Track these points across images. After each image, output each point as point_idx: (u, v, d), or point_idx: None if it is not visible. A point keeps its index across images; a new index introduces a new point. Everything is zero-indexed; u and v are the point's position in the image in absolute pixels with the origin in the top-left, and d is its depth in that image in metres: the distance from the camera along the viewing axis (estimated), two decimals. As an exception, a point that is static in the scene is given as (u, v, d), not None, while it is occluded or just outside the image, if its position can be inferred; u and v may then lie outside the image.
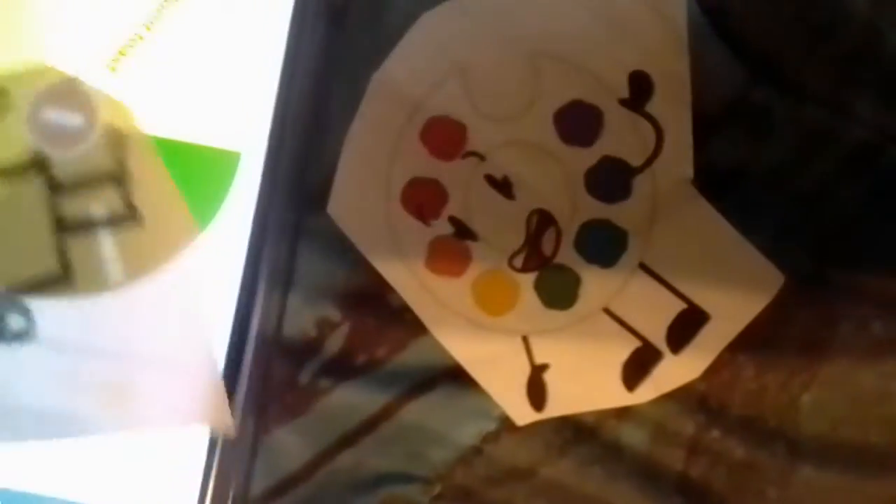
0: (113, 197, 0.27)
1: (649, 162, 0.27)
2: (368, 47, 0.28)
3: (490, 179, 0.28)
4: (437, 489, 0.29)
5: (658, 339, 0.28)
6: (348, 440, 0.30)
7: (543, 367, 0.28)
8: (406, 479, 0.29)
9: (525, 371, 0.28)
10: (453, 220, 0.28)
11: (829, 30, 0.27)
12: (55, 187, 0.27)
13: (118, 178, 0.27)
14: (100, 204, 0.27)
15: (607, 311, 0.28)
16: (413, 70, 0.28)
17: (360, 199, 0.28)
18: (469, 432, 0.29)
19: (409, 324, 0.29)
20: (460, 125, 0.28)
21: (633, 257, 0.28)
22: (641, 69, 0.27)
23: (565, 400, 0.28)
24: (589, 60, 0.27)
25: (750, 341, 0.27)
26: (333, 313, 0.29)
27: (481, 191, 0.28)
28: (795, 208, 0.27)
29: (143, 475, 0.27)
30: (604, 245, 0.28)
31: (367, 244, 0.29)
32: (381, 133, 0.28)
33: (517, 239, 0.28)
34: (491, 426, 0.29)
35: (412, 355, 0.29)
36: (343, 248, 0.29)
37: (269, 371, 0.30)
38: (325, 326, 0.29)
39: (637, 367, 0.28)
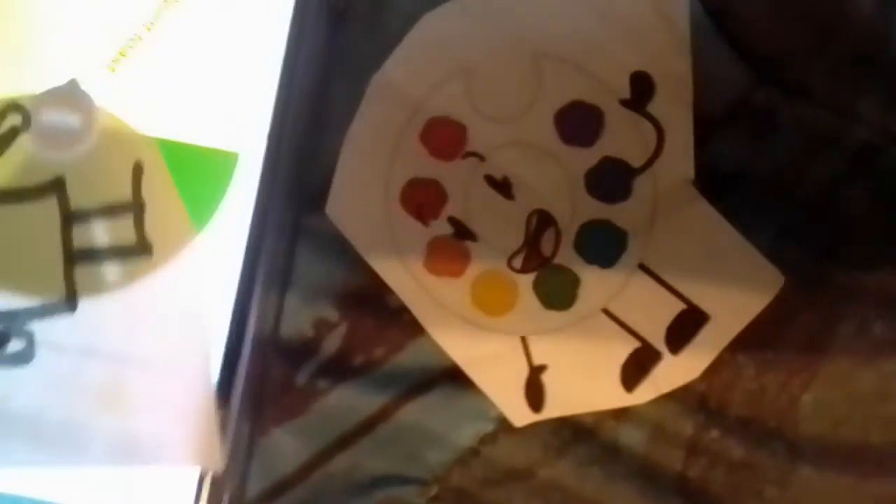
0: (126, 229, 0.27)
1: (650, 162, 0.27)
2: (369, 48, 0.28)
3: (490, 180, 0.28)
4: (433, 491, 0.29)
5: (657, 339, 0.28)
6: (345, 441, 0.29)
7: (542, 368, 0.28)
8: (403, 480, 0.29)
9: (523, 372, 0.28)
10: (453, 221, 0.28)
11: (834, 31, 0.27)
12: (69, 216, 0.27)
13: (133, 209, 0.27)
14: (112, 235, 0.27)
15: (606, 312, 0.28)
16: (413, 71, 0.28)
17: (358, 199, 0.28)
18: (466, 434, 0.29)
19: (407, 324, 0.29)
20: (460, 126, 0.28)
21: (633, 258, 0.28)
22: (643, 70, 0.27)
23: (564, 401, 0.28)
24: (590, 61, 0.27)
25: (750, 341, 0.27)
26: (331, 314, 0.29)
27: (481, 191, 0.28)
28: (797, 209, 0.27)
29: (139, 477, 0.27)
30: (603, 245, 0.28)
31: (365, 244, 0.29)
32: (381, 133, 0.28)
33: (517, 239, 0.28)
34: (489, 427, 0.29)
35: (410, 356, 0.29)
36: (341, 249, 0.29)
37: (266, 372, 0.29)
38: (323, 327, 0.29)
39: (636, 368, 0.28)
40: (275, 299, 0.29)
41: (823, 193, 0.27)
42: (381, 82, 0.28)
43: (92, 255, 0.27)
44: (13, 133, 0.27)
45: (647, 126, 0.27)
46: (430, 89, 0.28)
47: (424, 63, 0.28)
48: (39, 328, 0.27)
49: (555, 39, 0.27)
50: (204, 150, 0.28)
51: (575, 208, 0.28)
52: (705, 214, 0.27)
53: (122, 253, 0.27)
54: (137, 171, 0.27)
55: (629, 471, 0.28)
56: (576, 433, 0.29)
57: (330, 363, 0.29)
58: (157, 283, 0.27)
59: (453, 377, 0.29)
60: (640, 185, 0.27)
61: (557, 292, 0.28)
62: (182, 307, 0.27)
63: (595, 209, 0.28)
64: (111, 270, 0.27)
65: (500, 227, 0.28)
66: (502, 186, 0.28)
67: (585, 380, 0.28)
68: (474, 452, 0.29)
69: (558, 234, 0.28)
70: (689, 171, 0.27)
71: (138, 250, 0.27)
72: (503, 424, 0.29)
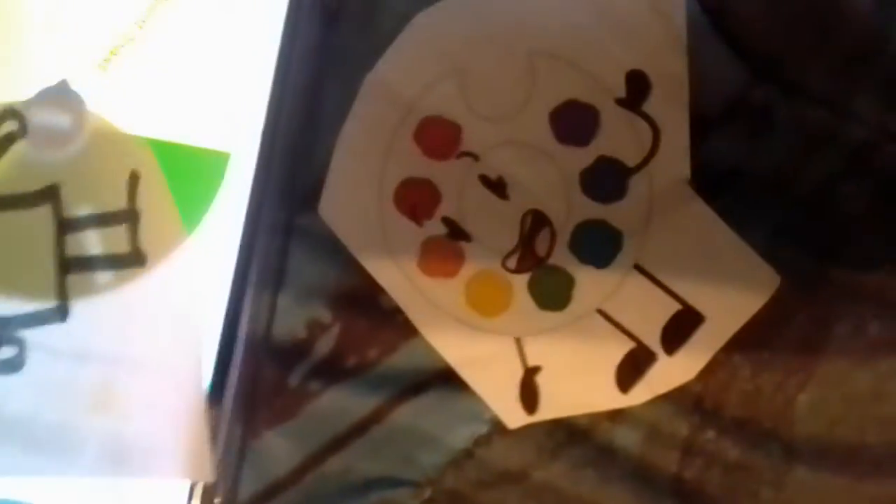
0: (120, 237, 0.27)
1: (646, 162, 0.27)
2: (362, 47, 0.28)
3: (484, 180, 0.28)
4: (427, 493, 0.29)
5: (652, 340, 0.27)
6: (338, 444, 0.29)
7: (536, 370, 0.28)
8: (396, 483, 0.29)
9: (517, 373, 0.28)
10: (446, 221, 0.28)
11: (831, 29, 0.27)
12: (63, 224, 0.27)
13: (128, 218, 0.27)
14: (106, 244, 0.27)
15: (601, 313, 0.28)
16: (407, 70, 0.28)
17: (352, 199, 0.28)
18: (461, 435, 0.29)
19: (400, 325, 0.29)
20: (454, 125, 0.28)
21: (628, 258, 0.27)
22: (639, 68, 0.27)
23: (558, 402, 0.28)
24: (585, 59, 0.27)
25: (746, 341, 0.27)
26: (324, 314, 0.29)
27: (475, 191, 0.28)
28: (793, 208, 0.27)
29: (131, 481, 0.27)
30: (598, 246, 0.28)
31: (358, 245, 0.28)
32: (375, 133, 0.28)
33: (511, 239, 0.28)
34: (483, 429, 0.29)
35: (403, 357, 0.29)
36: (334, 249, 0.29)
37: (259, 373, 0.29)
38: (316, 328, 0.29)
39: (631, 369, 0.28)
40: (267, 300, 0.29)
41: (820, 192, 0.27)
42: (375, 82, 0.28)
43: (85, 264, 0.27)
44: (9, 140, 0.27)
45: (643, 125, 0.27)
46: (424, 88, 0.28)
47: (418, 62, 0.27)
48: (31, 335, 0.27)
49: (549, 38, 0.27)
50: (196, 150, 0.27)
51: (570, 208, 0.28)
52: (701, 214, 0.27)
53: (115, 262, 0.27)
54: (133, 180, 0.27)
55: (624, 472, 0.28)
56: (570, 435, 0.28)
57: (323, 364, 0.29)
58: (150, 287, 0.27)
59: (447, 379, 0.28)
60: (636, 184, 0.27)
61: (552, 293, 0.28)
62: (174, 311, 0.27)
63: (590, 209, 0.27)
64: (104, 278, 0.27)
65: (495, 227, 0.28)
66: (497, 186, 0.28)
67: (580, 381, 0.28)
68: (468, 454, 0.29)
69: (553, 235, 0.28)
70: (685, 170, 0.27)
71: (132, 260, 0.27)
72: (497, 426, 0.29)
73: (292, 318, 0.29)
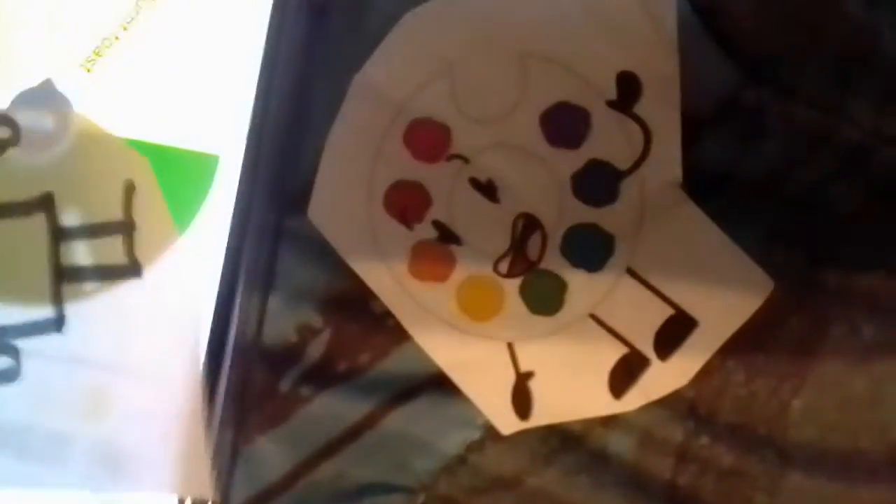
0: (116, 248, 0.27)
1: (637, 165, 0.27)
2: (350, 48, 0.28)
3: (475, 182, 0.28)
4: (420, 499, 0.29)
5: (645, 345, 0.27)
6: (330, 449, 0.29)
7: (529, 375, 0.28)
8: (389, 489, 0.29)
9: (510, 378, 0.28)
10: (437, 224, 0.28)
11: (823, 30, 0.26)
12: (58, 233, 0.27)
13: (123, 228, 0.27)
14: (101, 254, 0.27)
15: (594, 317, 0.27)
16: (396, 71, 0.27)
17: (341, 202, 0.28)
18: (453, 441, 0.29)
19: (392, 330, 0.28)
20: (444, 127, 0.27)
21: (621, 262, 0.27)
22: (630, 70, 0.27)
23: (551, 408, 0.28)
24: (576, 61, 0.27)
25: (740, 346, 0.27)
26: (315, 319, 0.29)
27: (466, 194, 0.28)
28: (786, 211, 0.27)
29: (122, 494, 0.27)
30: (590, 249, 0.27)
31: (348, 248, 0.28)
32: (363, 135, 0.28)
33: (502, 243, 0.28)
34: (475, 435, 0.29)
35: (395, 362, 0.29)
36: (324, 252, 0.28)
37: (250, 378, 0.29)
38: (307, 332, 0.29)
39: (624, 375, 0.27)
40: (257, 304, 0.29)
41: (813, 195, 0.27)
42: (363, 83, 0.27)
43: (81, 273, 0.27)
44: (1, 147, 0.26)
45: (634, 127, 0.27)
46: (413, 90, 0.27)
47: (407, 63, 0.27)
48: (26, 344, 0.27)
49: (540, 39, 0.27)
50: (184, 153, 0.27)
51: (561, 212, 0.27)
52: (693, 218, 0.27)
53: (111, 272, 0.27)
54: (129, 190, 0.26)
55: (618, 479, 0.28)
56: (564, 441, 0.28)
57: (314, 369, 0.29)
58: (146, 296, 0.27)
59: (439, 384, 0.28)
60: (627, 187, 0.27)
61: (544, 297, 0.28)
62: (171, 318, 0.27)
63: (582, 212, 0.27)
64: (99, 287, 0.27)
65: (486, 230, 0.28)
66: (487, 189, 0.28)
67: (573, 387, 0.28)
68: (461, 460, 0.29)
69: (544, 238, 0.27)
70: (677, 173, 0.27)
71: (128, 270, 0.27)
72: (490, 432, 0.28)
73: (283, 323, 0.29)
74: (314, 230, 0.28)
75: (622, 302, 0.27)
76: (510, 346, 0.28)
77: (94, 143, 0.27)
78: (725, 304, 0.27)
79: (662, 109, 0.26)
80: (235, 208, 0.28)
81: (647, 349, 0.27)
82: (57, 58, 0.27)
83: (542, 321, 0.28)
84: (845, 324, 0.27)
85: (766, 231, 0.27)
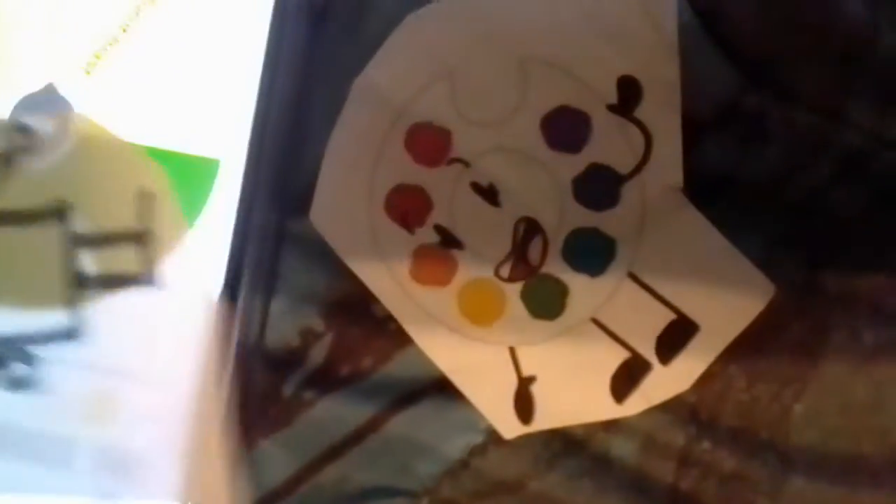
0: (133, 257, 0.27)
1: (638, 169, 0.27)
2: (350, 51, 0.28)
3: (476, 187, 0.28)
4: (423, 503, 0.29)
5: (647, 349, 0.27)
6: (333, 453, 0.29)
7: (531, 379, 0.28)
8: (392, 492, 0.29)
9: (512, 383, 0.28)
10: (438, 229, 0.28)
11: (824, 33, 0.26)
12: (75, 240, 0.27)
13: (139, 237, 0.27)
14: (118, 263, 0.27)
15: (595, 322, 0.27)
16: (396, 75, 0.27)
17: (342, 206, 0.28)
18: (456, 445, 0.29)
19: (394, 334, 0.28)
20: (445, 131, 0.27)
21: (622, 266, 0.27)
22: (630, 74, 0.26)
23: (553, 413, 0.28)
24: (577, 65, 0.27)
25: (741, 351, 0.27)
26: (317, 322, 0.29)
27: (467, 198, 0.28)
28: (787, 216, 0.27)
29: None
30: (591, 254, 0.27)
31: (349, 252, 0.28)
32: (364, 139, 0.28)
33: (503, 247, 0.28)
34: (478, 439, 0.29)
35: (398, 366, 0.29)
36: (326, 256, 0.28)
37: (252, 382, 0.29)
38: (309, 336, 0.29)
39: (626, 379, 0.27)
40: (259, 307, 0.29)
41: (814, 199, 0.27)
42: (364, 86, 0.27)
43: (94, 281, 0.27)
44: (18, 154, 0.26)
45: (635, 131, 0.27)
46: (414, 93, 0.27)
47: (407, 67, 0.27)
48: (42, 352, 0.27)
49: (541, 43, 0.27)
50: (184, 157, 0.27)
51: (562, 216, 0.27)
52: (694, 222, 0.27)
53: (124, 280, 0.27)
54: (144, 198, 0.26)
55: (620, 482, 0.28)
56: (566, 445, 0.28)
57: (317, 373, 0.29)
58: (162, 303, 0.27)
59: (442, 388, 0.28)
60: (628, 191, 0.27)
61: (545, 301, 0.28)
62: (185, 324, 0.27)
63: (582, 217, 0.27)
64: (116, 295, 0.27)
65: (487, 235, 0.27)
66: (488, 193, 0.27)
67: (575, 391, 0.28)
68: (464, 464, 0.29)
69: (546, 243, 0.27)
70: (678, 177, 0.26)
71: (142, 278, 0.27)
72: (493, 436, 0.28)
73: (285, 326, 0.29)
74: (316, 234, 0.28)
75: (624, 306, 0.27)
76: (512, 351, 0.28)
77: (108, 149, 0.27)
78: (727, 308, 0.26)
79: (663, 113, 0.26)
80: (237, 212, 0.28)
81: (649, 353, 0.27)
82: (58, 61, 0.27)
83: (543, 325, 0.28)
84: (846, 329, 0.27)
85: (767, 235, 0.27)
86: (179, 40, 0.27)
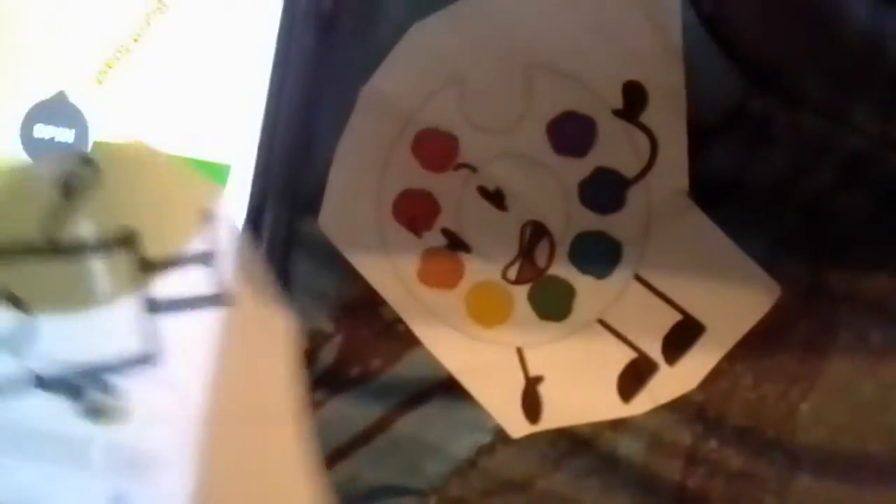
0: (204, 279, 0.27)
1: (644, 173, 0.27)
2: (358, 58, 0.28)
3: (483, 191, 0.28)
4: (432, 502, 0.29)
5: (654, 350, 0.27)
6: (342, 453, 0.29)
7: (538, 379, 0.28)
8: (401, 491, 0.29)
9: (519, 383, 0.28)
10: (446, 232, 0.28)
11: (828, 38, 0.26)
12: (145, 266, 0.27)
13: (209, 260, 0.27)
14: (190, 286, 0.27)
15: (602, 323, 0.28)
16: (404, 82, 0.27)
17: (351, 210, 0.28)
18: (464, 444, 0.29)
19: (402, 336, 0.29)
20: (452, 137, 0.28)
21: (628, 268, 0.27)
22: (635, 79, 0.27)
23: (560, 412, 0.28)
24: (582, 71, 0.27)
25: (748, 351, 0.27)
26: (326, 325, 0.29)
27: (474, 203, 0.28)
28: (793, 219, 0.27)
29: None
30: (598, 256, 0.27)
31: (358, 256, 0.28)
32: (372, 145, 0.28)
33: (510, 250, 0.28)
34: (486, 438, 0.29)
35: (406, 367, 0.29)
36: (335, 260, 0.29)
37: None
38: (319, 338, 0.29)
39: (633, 379, 0.27)
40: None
41: (820, 201, 0.27)
42: (371, 93, 0.28)
43: (169, 308, 0.27)
44: (83, 185, 0.26)
45: (641, 136, 0.27)
46: (421, 100, 0.27)
47: (415, 74, 0.27)
48: (123, 381, 0.27)
49: (546, 50, 0.27)
50: (195, 163, 0.28)
51: (568, 219, 0.27)
52: (700, 224, 0.27)
53: (200, 303, 0.27)
54: (211, 221, 0.27)
55: (627, 481, 0.28)
56: (573, 444, 0.28)
57: (326, 374, 0.29)
58: (236, 323, 0.27)
59: (450, 388, 0.28)
60: (634, 195, 0.27)
61: (552, 303, 0.28)
62: (265, 343, 0.27)
63: (589, 220, 0.27)
64: (192, 318, 0.27)
65: (494, 238, 0.28)
66: (495, 198, 0.28)
67: (582, 391, 0.28)
68: (472, 463, 0.29)
69: (552, 245, 0.28)
70: (684, 181, 0.27)
71: (217, 301, 0.27)
72: (500, 435, 0.29)
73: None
74: (325, 238, 0.28)
75: (630, 307, 0.27)
76: (519, 351, 0.28)
77: (168, 173, 0.27)
78: (733, 309, 0.27)
79: (669, 118, 0.26)
80: (247, 216, 0.28)
81: (656, 354, 0.27)
82: (69, 70, 0.28)
83: (550, 327, 0.28)
84: (853, 328, 0.27)
85: (772, 237, 0.27)
86: (189, 48, 0.27)
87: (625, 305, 0.27)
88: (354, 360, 0.29)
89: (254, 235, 0.28)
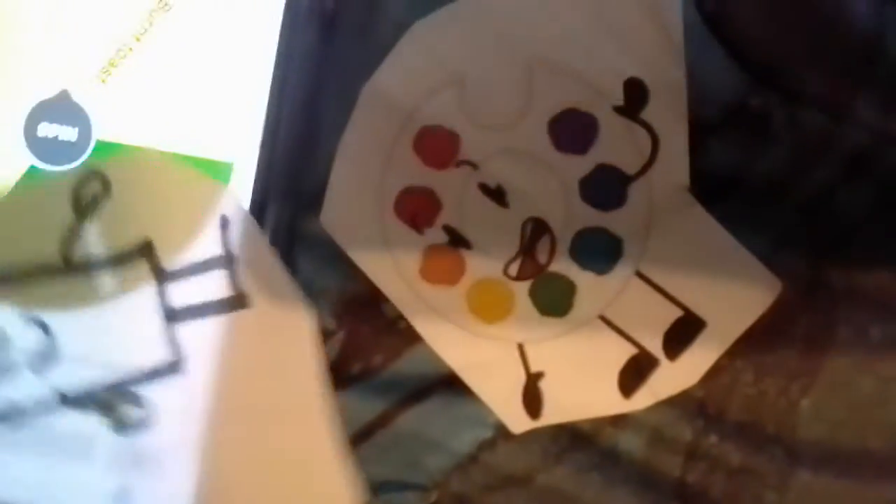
0: (221, 283, 0.27)
1: (645, 169, 0.27)
2: (360, 56, 0.28)
3: (484, 188, 0.28)
4: (433, 496, 0.29)
5: (654, 345, 0.27)
6: (345, 448, 0.29)
7: (539, 375, 0.28)
8: (403, 486, 0.29)
9: (521, 379, 0.28)
10: (447, 229, 0.28)
11: (830, 35, 0.26)
12: (162, 276, 0.27)
13: (225, 263, 0.27)
14: (208, 291, 0.27)
15: (603, 319, 0.28)
16: (405, 79, 0.28)
17: (353, 208, 0.28)
18: (465, 440, 0.29)
19: (404, 332, 0.29)
20: (453, 134, 0.28)
21: (629, 264, 0.27)
22: (637, 76, 0.27)
23: (561, 407, 0.28)
24: (583, 68, 0.27)
25: (748, 346, 0.27)
26: (328, 321, 0.29)
27: (475, 199, 0.28)
28: (793, 214, 0.27)
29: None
30: (599, 252, 0.28)
31: (360, 253, 0.28)
32: (374, 142, 0.28)
33: (512, 247, 0.28)
34: (487, 434, 0.29)
35: (408, 363, 0.29)
36: (338, 257, 0.29)
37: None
38: (321, 334, 0.29)
39: (633, 375, 0.28)
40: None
41: (820, 197, 0.27)
42: (373, 91, 0.28)
43: (190, 314, 0.27)
44: (95, 201, 0.27)
45: (642, 133, 0.27)
46: (423, 98, 0.28)
47: (416, 71, 0.27)
48: (150, 391, 0.27)
49: (547, 46, 0.27)
50: (197, 161, 0.28)
51: (569, 216, 0.27)
52: (701, 220, 0.27)
53: (219, 307, 0.27)
54: (224, 224, 0.27)
55: (628, 476, 0.28)
56: (574, 439, 0.29)
57: (329, 370, 0.29)
58: (256, 324, 0.27)
59: (451, 384, 0.29)
60: (635, 191, 0.27)
61: (553, 299, 0.28)
62: (286, 342, 0.27)
63: (590, 216, 0.27)
64: (212, 324, 0.27)
65: (495, 234, 0.28)
66: (496, 194, 0.28)
67: (583, 386, 0.28)
68: (473, 459, 0.29)
69: (553, 242, 0.28)
70: (685, 177, 0.27)
71: (236, 303, 0.27)
72: (502, 431, 0.29)
73: (297, 325, 0.29)
74: (327, 235, 0.28)
75: (631, 303, 0.27)
76: (520, 347, 0.28)
77: (181, 181, 0.27)
78: (733, 304, 0.27)
79: (669, 115, 0.27)
80: (250, 214, 0.28)
81: (656, 349, 0.27)
82: (72, 69, 0.28)
83: (551, 323, 0.28)
84: (853, 324, 0.27)
85: (773, 233, 0.27)
86: (192, 46, 0.27)
87: (626, 301, 0.28)
88: (356, 356, 0.29)
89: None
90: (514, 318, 0.28)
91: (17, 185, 0.27)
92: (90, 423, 0.27)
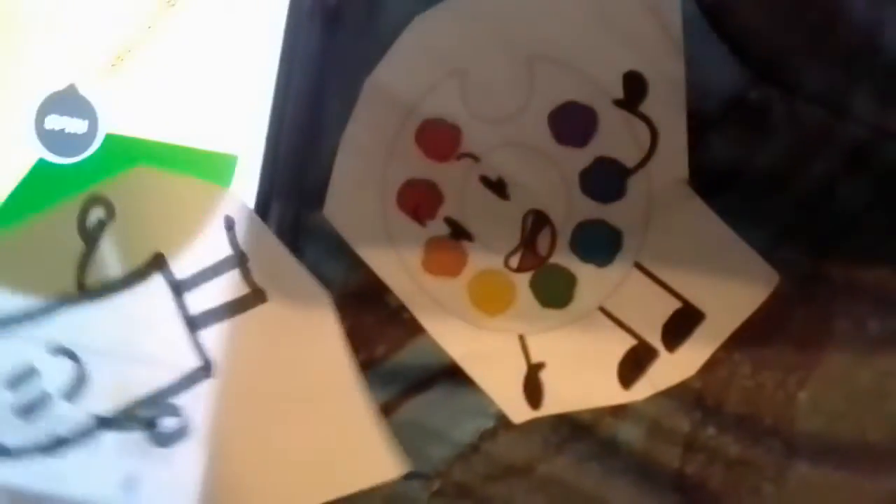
0: (236, 282, 0.27)
1: (644, 162, 0.27)
2: (361, 51, 0.28)
3: (485, 180, 0.28)
4: (436, 485, 0.30)
5: (653, 337, 0.28)
6: (348, 438, 0.30)
7: (540, 366, 0.28)
8: (406, 475, 0.29)
9: (521, 369, 0.28)
10: (449, 221, 0.28)
11: (828, 28, 0.26)
12: (178, 286, 0.27)
13: (236, 263, 0.27)
14: (224, 292, 0.27)
15: (603, 310, 0.28)
16: (407, 73, 0.28)
17: (356, 200, 0.29)
18: (467, 430, 0.29)
19: (406, 323, 0.29)
20: (454, 127, 0.28)
21: (629, 256, 0.28)
22: (636, 69, 0.27)
23: (562, 398, 0.28)
24: (583, 61, 0.27)
25: (747, 339, 0.27)
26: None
27: (476, 192, 0.28)
28: (792, 207, 0.27)
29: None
30: (599, 245, 0.28)
31: (363, 245, 0.29)
32: (376, 135, 0.28)
33: (513, 239, 0.28)
34: (488, 424, 0.29)
35: (410, 354, 0.29)
36: (340, 249, 0.29)
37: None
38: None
39: (633, 366, 0.28)
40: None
41: (819, 191, 0.27)
42: (375, 85, 0.28)
43: (211, 318, 0.27)
44: (101, 225, 0.27)
45: (641, 126, 0.27)
46: (424, 91, 0.28)
47: (417, 65, 0.28)
48: (184, 400, 0.27)
49: (547, 40, 0.27)
50: (202, 153, 0.28)
51: (570, 208, 0.28)
52: (700, 213, 0.27)
53: (238, 306, 0.27)
54: (230, 225, 0.27)
55: (627, 466, 0.29)
56: (574, 429, 0.29)
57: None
58: (274, 317, 0.27)
59: (453, 375, 0.29)
60: (635, 184, 0.27)
61: (554, 291, 0.28)
62: (308, 331, 0.27)
63: (590, 209, 0.28)
64: (234, 325, 0.27)
65: (496, 227, 0.28)
66: (497, 187, 0.28)
67: (583, 377, 0.28)
68: (475, 448, 0.29)
69: (554, 234, 0.28)
70: (684, 170, 0.27)
71: (253, 300, 0.27)
72: (503, 421, 0.29)
73: (302, 316, 0.30)
74: (330, 227, 0.29)
75: (630, 295, 0.28)
76: (521, 339, 0.28)
77: (184, 192, 0.27)
78: (732, 297, 0.27)
79: (669, 108, 0.27)
80: (254, 206, 0.28)
81: (655, 341, 0.28)
82: (80, 62, 0.28)
83: (552, 314, 0.28)
84: (851, 318, 0.27)
85: (772, 226, 0.27)
86: (198, 41, 0.28)
87: (625, 293, 0.28)
88: (359, 347, 0.29)
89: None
90: (515, 309, 0.28)
91: (25, 221, 0.27)
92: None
